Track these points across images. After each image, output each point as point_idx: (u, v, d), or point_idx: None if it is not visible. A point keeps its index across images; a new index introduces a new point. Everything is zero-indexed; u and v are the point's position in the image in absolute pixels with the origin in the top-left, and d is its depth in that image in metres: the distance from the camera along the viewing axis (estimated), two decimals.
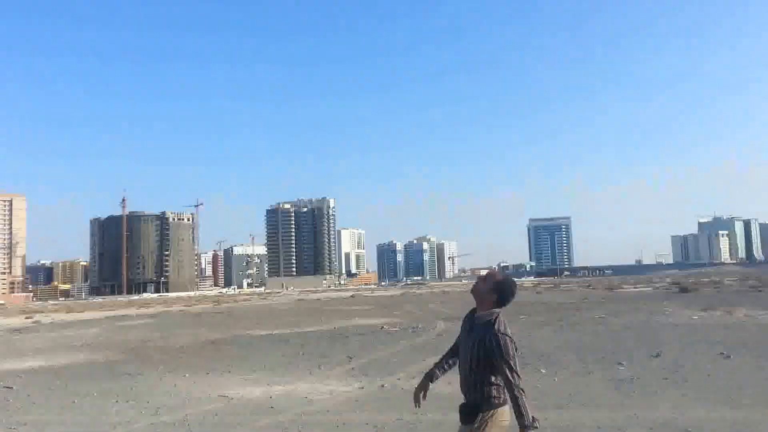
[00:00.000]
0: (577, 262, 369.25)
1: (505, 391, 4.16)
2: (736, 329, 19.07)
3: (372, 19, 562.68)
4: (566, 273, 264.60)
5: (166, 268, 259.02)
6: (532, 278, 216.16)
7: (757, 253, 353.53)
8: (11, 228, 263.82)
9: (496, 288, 4.35)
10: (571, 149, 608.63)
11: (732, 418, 8.23)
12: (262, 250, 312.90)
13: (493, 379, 4.20)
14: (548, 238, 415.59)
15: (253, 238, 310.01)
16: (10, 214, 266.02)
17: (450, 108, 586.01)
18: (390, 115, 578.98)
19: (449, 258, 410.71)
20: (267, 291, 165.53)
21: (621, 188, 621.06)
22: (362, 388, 12.04)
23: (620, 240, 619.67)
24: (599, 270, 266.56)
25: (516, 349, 4.20)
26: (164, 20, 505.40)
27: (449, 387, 11.68)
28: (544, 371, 12.83)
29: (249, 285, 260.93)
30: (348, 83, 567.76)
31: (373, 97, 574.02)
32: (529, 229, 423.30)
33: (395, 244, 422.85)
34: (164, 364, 16.96)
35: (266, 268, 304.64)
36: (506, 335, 4.18)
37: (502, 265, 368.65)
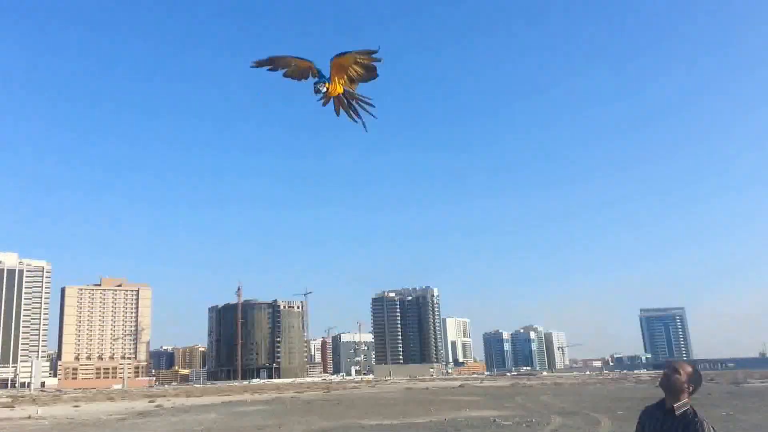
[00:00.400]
0: (696, 354, 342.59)
1: None
2: None
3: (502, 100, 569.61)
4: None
5: (278, 355, 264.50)
6: (647, 371, 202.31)
7: None
8: (137, 316, 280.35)
9: (694, 379, 4.29)
10: (678, 233, 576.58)
11: None
12: (368, 337, 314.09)
13: None
14: (662, 328, 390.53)
15: (360, 326, 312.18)
16: (137, 303, 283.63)
17: (555, 193, 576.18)
18: (497, 205, 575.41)
19: (558, 348, 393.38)
20: (375, 379, 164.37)
21: (740, 275, 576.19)
22: None
23: (742, 332, 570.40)
24: (721, 363, 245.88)
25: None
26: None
27: None
28: None
29: (357, 372, 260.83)
30: (454, 170, 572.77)
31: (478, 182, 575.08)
32: (641, 320, 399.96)
33: (501, 333, 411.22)
34: None
35: (373, 356, 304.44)
36: (710, 425, 4.11)
37: (616, 356, 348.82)
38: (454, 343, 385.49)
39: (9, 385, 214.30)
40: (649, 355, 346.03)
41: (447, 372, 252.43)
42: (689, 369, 4.33)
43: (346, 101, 6.20)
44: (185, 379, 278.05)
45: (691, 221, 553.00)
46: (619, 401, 35.96)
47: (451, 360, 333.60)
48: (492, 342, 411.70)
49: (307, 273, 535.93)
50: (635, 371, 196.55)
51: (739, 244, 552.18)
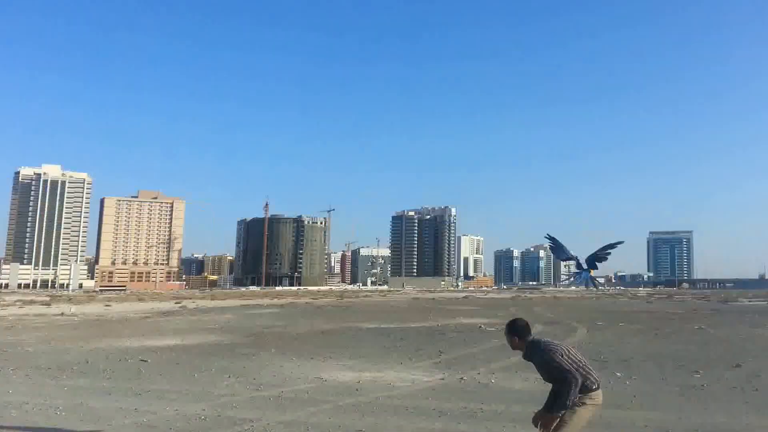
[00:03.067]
0: (699, 275, 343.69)
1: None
2: None
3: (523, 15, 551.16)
4: (685, 285, 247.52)
5: (300, 265, 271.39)
6: (644, 288, 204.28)
7: None
8: (171, 226, 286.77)
9: (512, 331, 5.51)
10: (685, 155, 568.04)
11: None
12: (386, 252, 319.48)
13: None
14: (668, 250, 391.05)
15: (378, 241, 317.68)
16: (171, 215, 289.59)
17: (570, 120, 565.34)
18: (516, 134, 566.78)
19: (565, 265, 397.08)
20: (388, 289, 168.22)
21: (746, 199, 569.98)
22: (443, 379, 12.38)
23: (744, 254, 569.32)
24: (720, 283, 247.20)
25: (558, 356, 5.19)
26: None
27: (524, 383, 11.82)
28: (619, 375, 12.55)
29: (373, 283, 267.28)
30: (479, 94, 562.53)
31: (499, 111, 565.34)
32: (648, 242, 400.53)
33: (512, 251, 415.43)
34: (277, 348, 18.13)
35: (389, 269, 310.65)
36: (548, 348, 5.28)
37: (618, 273, 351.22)
38: (466, 260, 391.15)
39: (49, 285, 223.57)
40: (651, 274, 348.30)
41: (457, 285, 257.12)
42: (507, 329, 5.56)
43: None
44: (213, 284, 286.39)
45: (701, 140, 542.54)
46: (604, 314, 36.84)
47: (462, 274, 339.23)
48: (502, 259, 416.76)
49: (332, 193, 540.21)
50: (636, 288, 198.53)
51: (744, 163, 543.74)
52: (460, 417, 8.84)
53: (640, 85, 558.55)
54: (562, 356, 5.14)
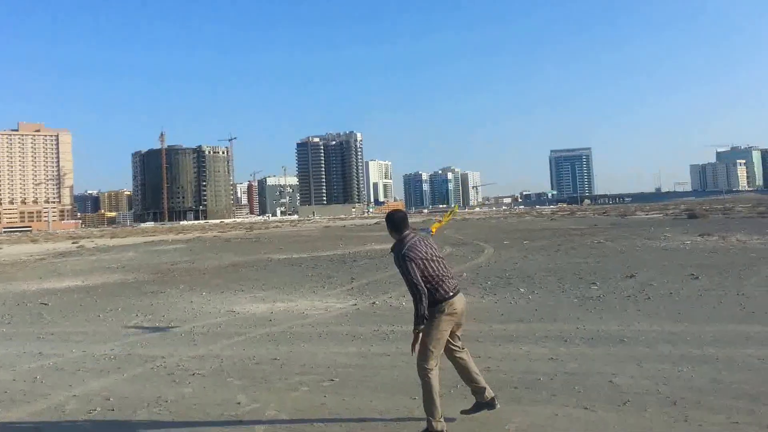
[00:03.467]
0: (599, 190, 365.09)
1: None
2: (719, 253, 19.32)
3: None
4: (587, 201, 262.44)
5: (204, 198, 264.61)
6: (549, 206, 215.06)
7: None
8: (59, 161, 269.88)
9: (386, 222, 5.49)
10: (588, 78, 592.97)
11: (669, 330, 8.72)
12: (294, 180, 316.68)
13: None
14: (569, 167, 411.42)
15: (285, 170, 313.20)
16: (57, 148, 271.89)
17: (473, 37, 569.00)
18: (415, 52, 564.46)
19: (473, 187, 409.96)
20: (298, 219, 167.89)
21: (640, 117, 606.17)
22: (355, 305, 12.77)
23: (641, 169, 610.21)
24: (619, 198, 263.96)
25: (408, 266, 5.10)
26: None
27: None
28: (522, 290, 13.39)
29: (282, 213, 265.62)
30: (372, 18, 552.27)
31: (396, 34, 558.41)
32: (550, 160, 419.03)
33: (421, 174, 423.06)
34: (186, 284, 17.95)
35: (298, 198, 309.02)
36: (405, 256, 5.15)
37: (524, 193, 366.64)
38: (376, 185, 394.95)
39: None
40: (555, 192, 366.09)
41: (368, 211, 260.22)
42: (386, 220, 5.50)
43: None
44: (112, 221, 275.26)
45: (593, 66, 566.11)
46: (510, 233, 38.69)
47: (372, 200, 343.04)
48: (412, 182, 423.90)
49: (233, 119, 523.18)
50: (541, 206, 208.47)
51: (637, 85, 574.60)
52: (373, 340, 9.22)
53: (539, 7, 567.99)
54: (416, 268, 5.03)
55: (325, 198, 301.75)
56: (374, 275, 17.86)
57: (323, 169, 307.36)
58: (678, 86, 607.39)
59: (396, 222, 5.36)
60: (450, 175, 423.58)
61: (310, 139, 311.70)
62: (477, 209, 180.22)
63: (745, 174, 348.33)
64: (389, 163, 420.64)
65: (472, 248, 26.87)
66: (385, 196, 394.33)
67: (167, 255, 32.58)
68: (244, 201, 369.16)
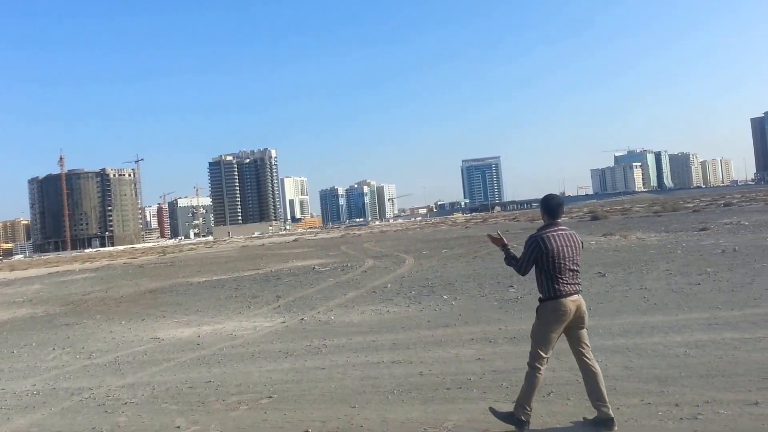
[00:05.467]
0: (508, 197, 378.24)
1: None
2: (621, 251, 20.69)
3: None
4: (497, 208, 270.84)
5: (110, 223, 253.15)
6: (463, 214, 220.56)
7: (667, 181, 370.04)
8: None
9: (542, 206, 5.42)
10: (494, 88, 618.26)
11: None
12: (207, 201, 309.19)
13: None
14: (480, 176, 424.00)
15: (197, 190, 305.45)
16: None
17: (381, 53, 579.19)
18: (327, 66, 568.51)
19: (389, 199, 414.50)
20: (213, 240, 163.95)
21: (543, 125, 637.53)
22: (284, 322, 12.83)
23: (546, 175, 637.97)
24: (527, 204, 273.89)
25: (527, 255, 5.25)
26: None
27: (362, 316, 12.64)
28: (445, 297, 13.90)
29: (196, 235, 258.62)
30: (282, 34, 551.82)
31: (307, 52, 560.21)
32: (462, 170, 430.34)
33: (337, 189, 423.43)
34: (102, 314, 17.34)
35: (212, 218, 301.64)
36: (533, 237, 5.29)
37: (438, 203, 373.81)
38: (292, 201, 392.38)
39: None
40: (467, 201, 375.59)
41: (285, 229, 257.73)
42: (542, 204, 5.42)
43: None
44: (9, 253, 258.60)
45: (498, 77, 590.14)
46: (428, 243, 39.57)
47: (289, 217, 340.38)
48: (328, 198, 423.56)
49: (140, 139, 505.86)
50: (454, 215, 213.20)
51: (541, 93, 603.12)
52: (306, 355, 9.37)
53: (446, 22, 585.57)
54: (531, 252, 5.18)
55: (240, 217, 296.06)
56: (300, 292, 17.92)
57: (237, 187, 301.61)
58: (574, 93, 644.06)
59: (552, 207, 5.32)
60: (366, 189, 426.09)
61: (223, 157, 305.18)
62: (391, 221, 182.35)
63: (641, 176, 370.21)
64: (305, 179, 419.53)
65: (394, 260, 27.35)
66: (302, 212, 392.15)
67: (77, 285, 31.16)
68: (154, 224, 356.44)
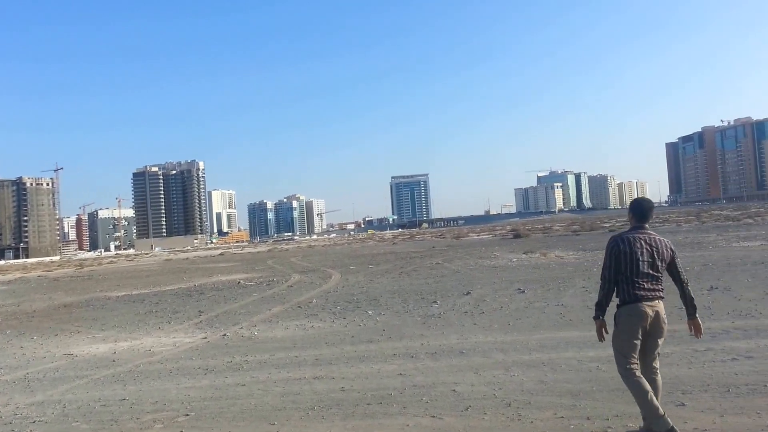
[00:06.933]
0: (435, 214, 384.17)
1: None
2: (541, 268, 21.34)
3: None
4: (425, 225, 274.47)
5: (26, 235, 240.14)
6: (393, 231, 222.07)
7: (586, 201, 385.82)
8: None
9: (631, 209, 5.23)
10: (421, 107, 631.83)
11: (501, 340, 9.61)
12: (130, 213, 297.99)
13: None
14: (409, 193, 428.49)
15: (120, 201, 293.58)
16: None
17: (314, 68, 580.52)
18: (258, 80, 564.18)
19: (318, 214, 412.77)
20: (135, 253, 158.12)
21: (470, 144, 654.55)
22: (205, 338, 12.48)
23: (472, 193, 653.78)
24: (453, 221, 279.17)
25: (607, 257, 5.10)
26: None
27: (285, 331, 12.46)
28: (370, 312, 13.90)
29: (117, 247, 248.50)
30: (211, 47, 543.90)
31: (237, 61, 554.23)
32: (391, 186, 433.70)
33: (266, 203, 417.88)
34: (13, 329, 16.37)
35: (135, 231, 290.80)
36: (614, 239, 5.14)
37: (367, 219, 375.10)
38: (219, 215, 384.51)
39: None
40: (395, 217, 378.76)
41: (211, 242, 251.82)
42: (632, 207, 5.24)
43: None
44: None
45: (428, 96, 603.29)
46: (355, 258, 39.59)
47: (216, 231, 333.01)
48: (256, 212, 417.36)
49: (60, 147, 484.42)
50: (383, 231, 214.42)
51: (466, 112, 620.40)
52: (227, 371, 9.13)
53: (376, 42, 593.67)
54: (611, 257, 5.02)
55: (165, 230, 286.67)
56: (223, 307, 17.50)
57: (162, 199, 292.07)
58: (497, 114, 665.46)
59: (644, 210, 5.14)
60: (295, 203, 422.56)
61: (148, 168, 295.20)
62: (316, 237, 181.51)
63: (562, 196, 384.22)
64: (233, 192, 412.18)
65: (320, 275, 27.18)
66: (229, 226, 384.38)
67: None
68: (73, 236, 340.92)
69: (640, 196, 5.09)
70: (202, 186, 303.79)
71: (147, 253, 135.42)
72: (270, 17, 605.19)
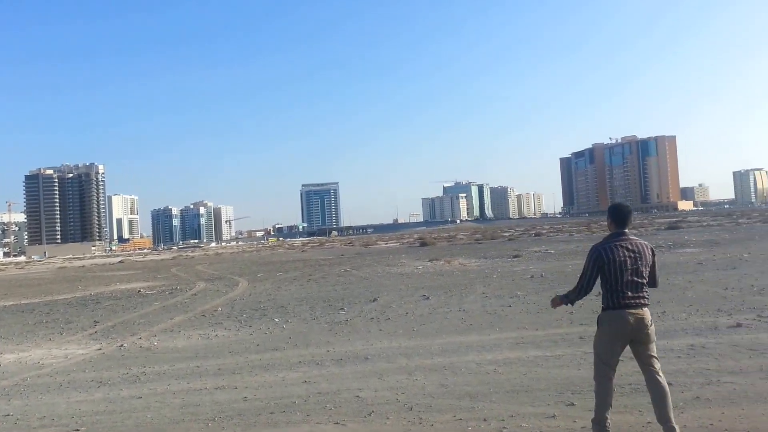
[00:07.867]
0: (345, 222, 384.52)
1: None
2: (445, 275, 21.82)
3: None
4: (334, 233, 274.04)
5: None
6: (302, 238, 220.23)
7: (488, 211, 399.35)
8: None
9: (610, 215, 5.17)
10: (330, 114, 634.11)
11: (405, 345, 9.71)
12: (21, 218, 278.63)
13: None
14: (319, 201, 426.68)
15: (10, 205, 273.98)
16: None
17: (219, 78, 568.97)
18: (163, 84, 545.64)
19: (226, 221, 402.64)
20: (26, 260, 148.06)
21: (379, 153, 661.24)
22: (100, 349, 11.83)
23: (381, 202, 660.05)
24: (362, 229, 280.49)
25: (589, 266, 5.04)
26: None
27: (188, 341, 12.02)
28: (277, 320, 13.67)
29: (6, 254, 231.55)
30: (118, 44, 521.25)
31: (146, 60, 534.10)
32: (301, 194, 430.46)
33: (171, 209, 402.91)
34: None
35: (26, 237, 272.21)
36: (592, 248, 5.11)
37: (277, 226, 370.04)
38: (120, 221, 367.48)
39: None
40: (305, 224, 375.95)
41: (110, 249, 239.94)
42: (610, 212, 5.20)
43: None
44: None
45: (337, 101, 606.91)
46: (263, 265, 38.94)
47: (116, 237, 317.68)
48: (161, 218, 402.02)
49: None
50: (293, 239, 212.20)
51: (373, 117, 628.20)
52: (122, 383, 8.68)
53: (288, 47, 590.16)
54: (591, 263, 5.00)
55: (59, 236, 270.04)
56: (121, 316, 16.67)
57: (57, 204, 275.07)
58: (401, 123, 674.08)
59: (623, 215, 5.09)
60: (202, 210, 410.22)
61: (42, 171, 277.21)
62: (226, 243, 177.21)
63: (466, 206, 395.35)
64: (135, 197, 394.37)
65: (227, 282, 26.50)
66: (131, 232, 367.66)
67: None
68: None
69: (618, 201, 5.14)
70: (101, 190, 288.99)
71: (40, 260, 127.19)
72: (181, 20, 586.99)
